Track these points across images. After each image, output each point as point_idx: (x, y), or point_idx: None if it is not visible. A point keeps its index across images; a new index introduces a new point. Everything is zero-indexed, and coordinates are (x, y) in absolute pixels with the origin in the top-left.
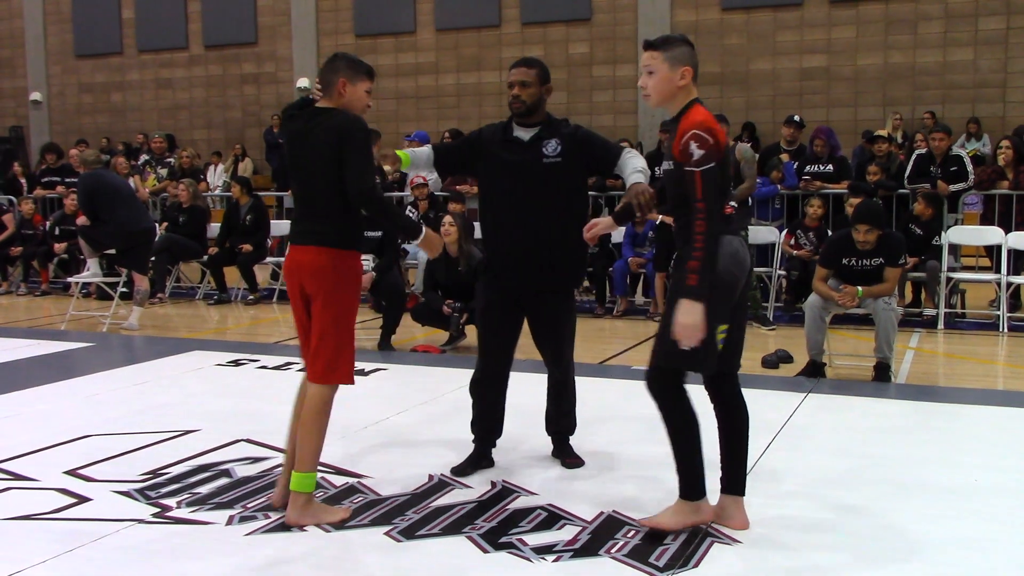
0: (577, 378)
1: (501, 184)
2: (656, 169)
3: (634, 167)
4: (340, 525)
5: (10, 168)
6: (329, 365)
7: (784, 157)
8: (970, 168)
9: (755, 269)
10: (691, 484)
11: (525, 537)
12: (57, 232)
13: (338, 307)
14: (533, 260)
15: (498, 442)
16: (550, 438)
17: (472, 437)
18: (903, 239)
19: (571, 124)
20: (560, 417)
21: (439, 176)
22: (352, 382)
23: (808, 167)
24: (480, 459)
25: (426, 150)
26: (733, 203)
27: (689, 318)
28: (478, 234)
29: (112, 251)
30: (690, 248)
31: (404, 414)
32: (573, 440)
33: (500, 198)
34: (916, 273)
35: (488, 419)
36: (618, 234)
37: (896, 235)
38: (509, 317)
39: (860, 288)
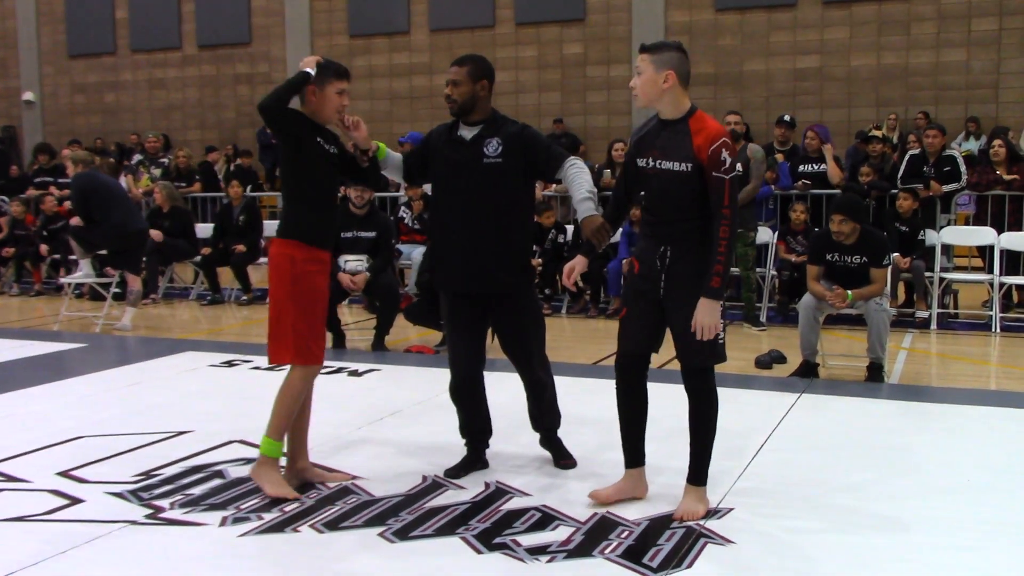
0: (571, 379)
1: (444, 184)
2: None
3: (583, 192)
4: (287, 503)
5: (7, 169)
6: (272, 344)
7: (779, 157)
8: (963, 168)
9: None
10: (706, 471)
11: (519, 538)
12: (45, 234)
13: (276, 290)
14: (475, 261)
15: (491, 442)
16: (538, 435)
17: (464, 442)
18: (885, 238)
19: (518, 124)
20: (543, 414)
21: (409, 183)
22: (281, 361)
23: (801, 167)
24: (474, 462)
25: (398, 156)
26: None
27: (711, 317)
28: None
29: (104, 252)
30: (714, 251)
31: (398, 415)
32: (566, 441)
33: (443, 198)
34: (907, 274)
35: (474, 423)
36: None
37: (878, 234)
38: (471, 320)
39: (850, 292)
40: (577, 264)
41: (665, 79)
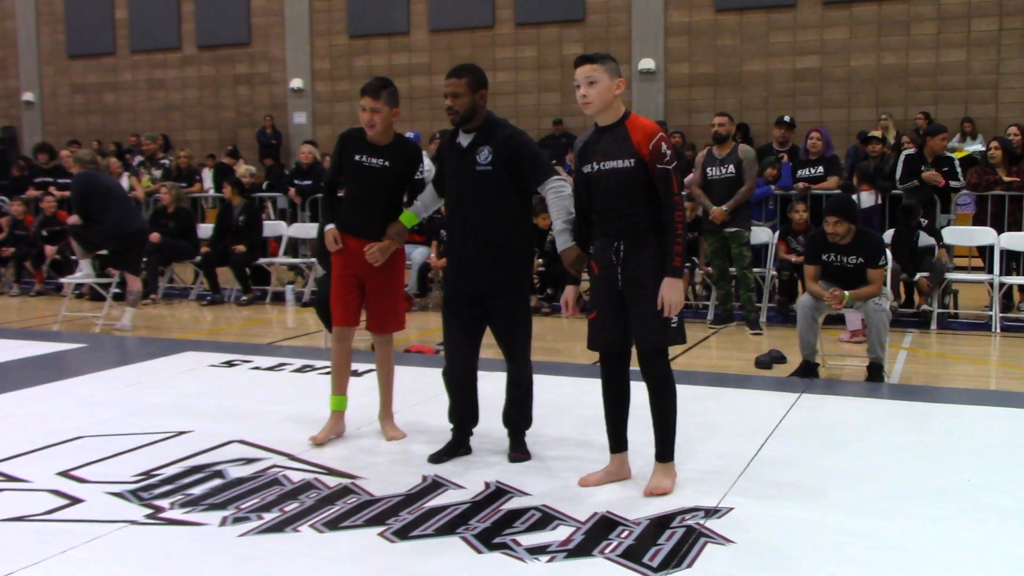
0: (570, 379)
1: (448, 189)
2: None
3: (559, 223)
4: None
5: (8, 169)
6: None
7: (783, 158)
8: (959, 170)
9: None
10: (672, 447)
11: (519, 538)
12: (44, 234)
13: None
14: (470, 263)
15: (491, 443)
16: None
17: (451, 427)
18: (880, 239)
19: (508, 129)
20: (511, 412)
21: (443, 196)
22: (336, 322)
23: (800, 171)
24: (457, 447)
25: (426, 195)
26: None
27: (676, 295)
28: None
29: (105, 252)
30: (672, 235)
31: (398, 415)
32: (566, 439)
33: (448, 202)
34: (923, 273)
35: (460, 408)
36: None
37: (873, 235)
38: (466, 312)
39: (847, 292)
40: (570, 295)
41: (617, 85)
